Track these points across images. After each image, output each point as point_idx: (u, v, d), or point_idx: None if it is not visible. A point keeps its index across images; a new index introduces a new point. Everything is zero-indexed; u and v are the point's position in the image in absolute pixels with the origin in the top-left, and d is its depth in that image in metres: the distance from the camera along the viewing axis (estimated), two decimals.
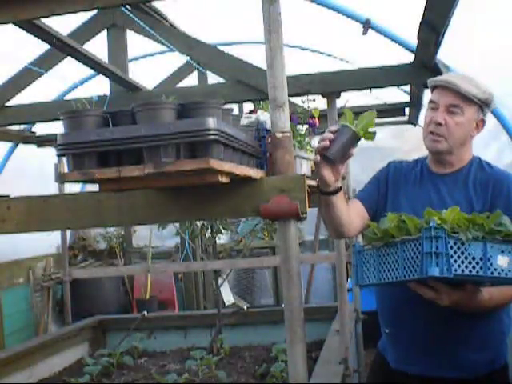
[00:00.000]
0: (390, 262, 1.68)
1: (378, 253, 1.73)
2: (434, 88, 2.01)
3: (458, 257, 1.55)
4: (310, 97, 3.08)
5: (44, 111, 3.42)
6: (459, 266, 1.55)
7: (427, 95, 2.41)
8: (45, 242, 6.08)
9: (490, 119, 4.45)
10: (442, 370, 1.92)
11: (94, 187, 1.54)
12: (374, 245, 1.75)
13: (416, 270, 1.58)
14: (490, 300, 1.78)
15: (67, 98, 5.32)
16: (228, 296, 6.26)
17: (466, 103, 1.92)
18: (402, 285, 1.72)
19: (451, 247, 1.55)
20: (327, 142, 1.69)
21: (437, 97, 1.96)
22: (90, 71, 4.47)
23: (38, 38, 2.56)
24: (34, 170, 6.09)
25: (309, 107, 3.03)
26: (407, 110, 5.08)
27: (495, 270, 1.57)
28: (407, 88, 4.64)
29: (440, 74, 2.88)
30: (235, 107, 4.60)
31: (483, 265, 1.56)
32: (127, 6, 3.12)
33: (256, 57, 2.88)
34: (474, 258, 1.56)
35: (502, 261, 1.58)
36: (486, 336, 1.92)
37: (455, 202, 1.93)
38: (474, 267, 1.56)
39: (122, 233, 7.09)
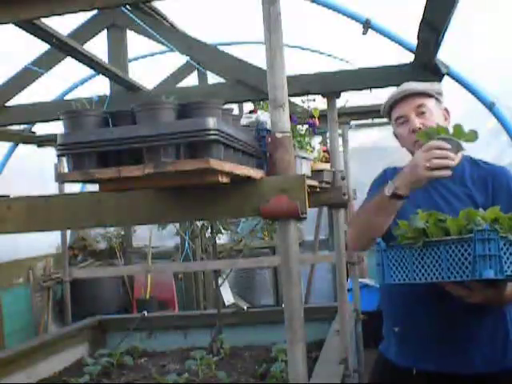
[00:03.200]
0: (427, 262, 1.68)
1: (411, 252, 1.71)
2: (391, 108, 2.06)
3: (508, 258, 1.57)
4: (310, 97, 3.08)
5: (44, 111, 3.42)
6: (508, 266, 1.57)
7: None
8: (45, 242, 6.08)
9: (490, 119, 4.44)
10: (453, 366, 1.91)
11: (94, 187, 1.53)
12: (406, 244, 1.73)
13: (464, 271, 1.59)
14: None
15: (67, 97, 5.32)
16: (228, 296, 6.26)
17: (427, 99, 1.99)
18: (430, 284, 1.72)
19: (501, 248, 1.56)
20: (452, 161, 1.75)
21: (400, 110, 2.01)
22: (90, 71, 4.47)
23: (38, 37, 2.55)
24: (34, 170, 6.08)
25: (309, 107, 3.03)
26: None
27: None
28: None
29: (440, 73, 2.88)
30: (235, 107, 4.60)
31: None
32: (127, 6, 3.12)
33: (256, 57, 2.88)
34: None
35: None
36: (496, 333, 1.92)
37: (457, 198, 1.95)
38: None
39: (122, 233, 7.08)
